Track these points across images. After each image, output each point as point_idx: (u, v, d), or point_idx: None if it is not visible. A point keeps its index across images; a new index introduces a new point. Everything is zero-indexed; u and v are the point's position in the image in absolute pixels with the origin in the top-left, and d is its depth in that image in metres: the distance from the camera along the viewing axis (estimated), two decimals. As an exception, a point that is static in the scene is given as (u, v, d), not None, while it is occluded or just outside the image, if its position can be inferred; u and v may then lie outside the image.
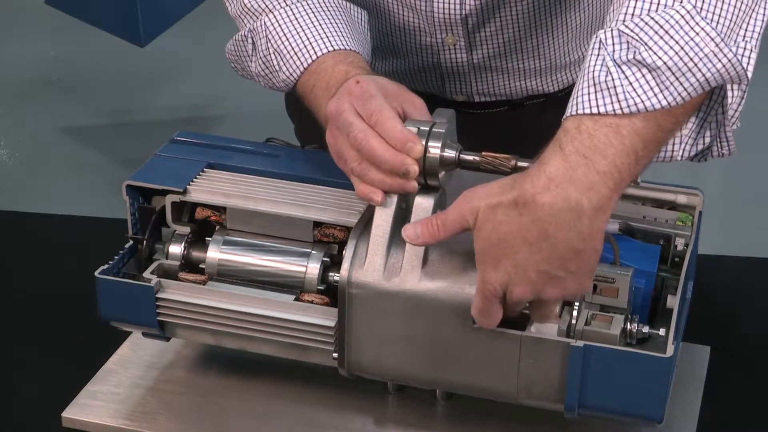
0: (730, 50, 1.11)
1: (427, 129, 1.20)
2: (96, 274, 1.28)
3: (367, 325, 1.22)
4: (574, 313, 1.18)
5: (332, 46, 1.36)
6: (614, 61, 1.11)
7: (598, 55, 1.12)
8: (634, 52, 1.11)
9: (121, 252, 1.32)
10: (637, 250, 1.26)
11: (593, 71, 1.12)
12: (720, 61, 1.11)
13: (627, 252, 1.24)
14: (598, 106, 1.10)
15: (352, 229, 1.23)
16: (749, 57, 1.13)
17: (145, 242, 1.31)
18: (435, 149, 1.19)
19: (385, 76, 1.31)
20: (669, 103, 1.11)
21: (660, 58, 1.10)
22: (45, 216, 1.97)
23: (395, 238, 1.21)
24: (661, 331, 1.19)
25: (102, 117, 4.08)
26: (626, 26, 1.12)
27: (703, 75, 1.11)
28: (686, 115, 1.15)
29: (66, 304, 1.54)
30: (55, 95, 4.18)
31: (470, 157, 1.21)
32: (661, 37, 1.10)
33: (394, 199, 1.21)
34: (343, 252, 1.22)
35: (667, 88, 1.10)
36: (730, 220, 3.28)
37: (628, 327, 1.19)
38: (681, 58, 1.10)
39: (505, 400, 1.22)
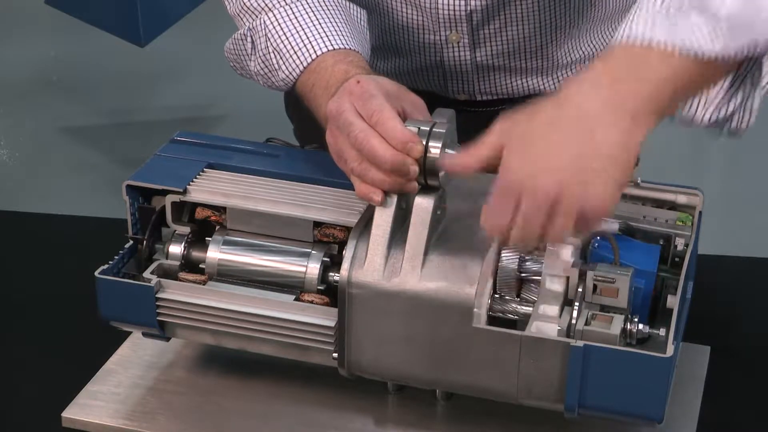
0: None
1: (428, 129, 1.20)
2: (96, 274, 1.28)
3: (367, 325, 1.22)
4: (574, 313, 1.18)
5: (332, 45, 1.36)
6: (672, 2, 1.12)
7: None
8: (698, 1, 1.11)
9: (121, 252, 1.32)
10: (637, 250, 1.26)
11: (652, 7, 1.12)
12: None
13: (627, 252, 1.24)
14: (653, 36, 1.11)
15: (352, 229, 1.23)
16: None
17: (145, 242, 1.31)
18: (435, 149, 1.19)
19: (387, 75, 1.31)
20: (719, 52, 1.11)
21: (725, 8, 1.11)
22: (45, 216, 1.97)
23: (395, 238, 1.21)
24: (661, 331, 1.19)
25: (102, 117, 4.07)
26: None
27: (757, 36, 1.12)
28: (720, 75, 1.17)
29: (66, 304, 1.54)
30: (55, 95, 4.18)
31: (470, 157, 1.21)
32: None
33: (394, 199, 1.21)
34: (343, 252, 1.22)
35: (721, 38, 1.11)
36: (730, 220, 3.27)
37: (628, 327, 1.19)
38: (743, 14, 1.11)
39: (505, 400, 1.22)
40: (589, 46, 1.63)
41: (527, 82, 1.63)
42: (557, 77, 1.64)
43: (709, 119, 1.21)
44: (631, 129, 1.10)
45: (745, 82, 1.19)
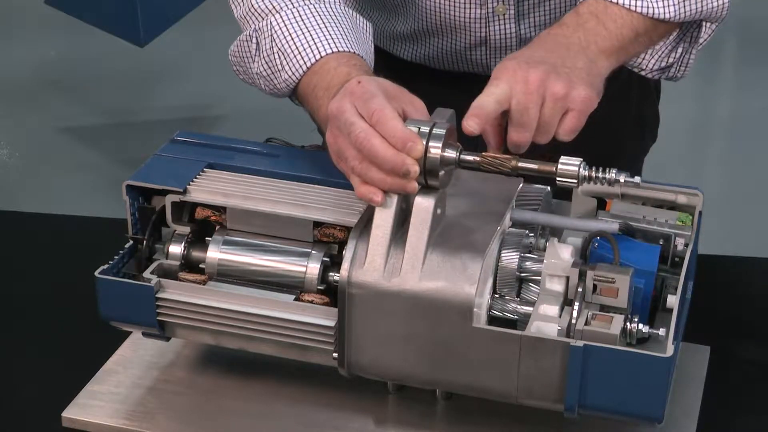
0: None
1: (428, 129, 1.20)
2: (96, 274, 1.28)
3: (367, 325, 1.22)
4: (574, 313, 1.18)
5: (336, 47, 1.36)
6: None
7: None
8: None
9: (121, 252, 1.32)
10: (637, 250, 1.26)
11: None
12: (717, 1, 1.40)
13: (627, 252, 1.24)
14: None
15: (352, 229, 1.23)
16: (729, 7, 1.43)
17: (145, 242, 1.31)
18: (435, 149, 1.19)
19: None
20: (672, 17, 1.39)
21: None
22: (45, 216, 1.97)
23: (395, 238, 1.21)
24: (661, 331, 1.19)
25: (102, 117, 4.08)
26: None
27: (703, 6, 1.40)
28: (668, 32, 1.44)
29: (66, 304, 1.54)
30: (55, 95, 4.18)
31: (470, 157, 1.22)
32: None
33: (395, 199, 1.21)
34: (343, 252, 1.22)
35: (675, 5, 1.38)
36: (730, 220, 3.28)
37: (628, 327, 1.19)
38: None
39: (505, 400, 1.22)
40: None
41: None
42: None
43: (653, 67, 1.46)
44: (596, 59, 1.33)
45: (684, 40, 1.46)
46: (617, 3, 1.37)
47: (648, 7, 1.38)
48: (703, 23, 1.45)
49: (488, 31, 1.61)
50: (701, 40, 1.47)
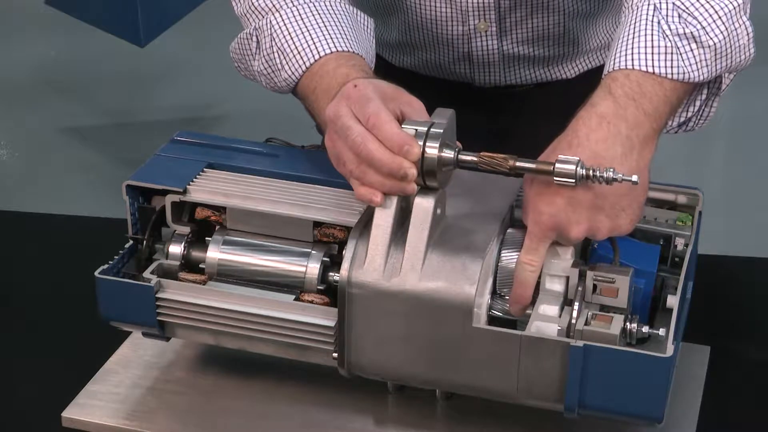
0: (753, 46, 1.33)
1: (425, 130, 1.19)
2: (96, 274, 1.28)
3: (367, 325, 1.22)
4: (574, 313, 1.18)
5: (335, 47, 1.36)
6: (670, 29, 1.26)
7: (652, 20, 1.27)
8: (691, 29, 1.26)
9: (121, 252, 1.32)
10: (637, 250, 1.26)
11: (650, 33, 1.26)
12: (745, 53, 1.32)
13: (627, 252, 1.24)
14: (654, 66, 1.25)
15: (352, 229, 1.23)
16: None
17: (145, 242, 1.31)
18: (433, 150, 1.19)
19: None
20: (705, 77, 1.28)
21: (712, 39, 1.27)
22: (45, 216, 1.97)
23: (395, 238, 1.21)
24: (661, 331, 1.19)
25: (102, 117, 4.08)
26: (682, 2, 1.27)
27: (732, 61, 1.31)
28: (695, 89, 1.34)
29: (66, 304, 1.54)
30: (55, 95, 4.18)
31: (468, 158, 1.21)
32: (714, 21, 1.28)
33: (394, 199, 1.21)
34: (343, 252, 1.22)
35: (708, 65, 1.28)
36: (730, 220, 3.28)
37: (628, 327, 1.19)
38: (726, 43, 1.29)
39: (505, 400, 1.22)
40: (608, 32, 1.69)
41: (550, 70, 1.68)
42: (578, 64, 1.69)
43: (673, 125, 1.37)
44: (641, 154, 1.22)
45: (702, 92, 1.36)
46: (652, 72, 1.24)
47: (684, 73, 1.26)
48: (724, 75, 1.36)
49: (471, 47, 1.62)
50: (721, 92, 1.37)
